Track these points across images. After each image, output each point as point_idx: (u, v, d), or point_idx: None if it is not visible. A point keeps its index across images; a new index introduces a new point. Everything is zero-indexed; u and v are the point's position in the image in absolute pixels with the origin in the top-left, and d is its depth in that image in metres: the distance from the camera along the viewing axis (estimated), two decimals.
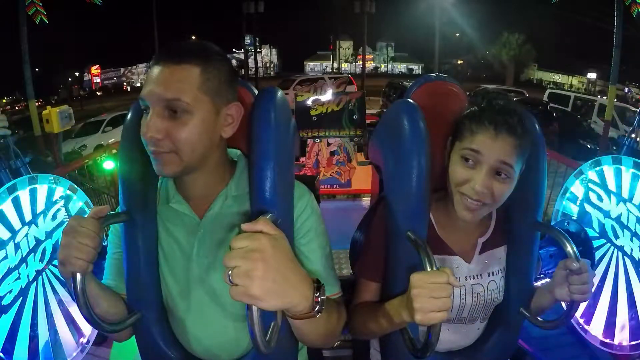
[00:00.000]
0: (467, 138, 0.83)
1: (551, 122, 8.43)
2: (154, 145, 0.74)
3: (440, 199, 0.94)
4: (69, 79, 37.31)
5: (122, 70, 45.95)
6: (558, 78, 35.59)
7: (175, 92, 0.73)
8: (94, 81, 40.63)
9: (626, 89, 22.46)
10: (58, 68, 34.54)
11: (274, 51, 50.50)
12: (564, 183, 1.84)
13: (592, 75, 30.60)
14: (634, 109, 9.32)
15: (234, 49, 45.46)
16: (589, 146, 8.12)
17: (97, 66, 40.80)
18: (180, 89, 0.73)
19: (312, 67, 50.41)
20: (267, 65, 47.53)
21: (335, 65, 44.12)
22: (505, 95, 0.89)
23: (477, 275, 0.94)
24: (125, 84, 43.27)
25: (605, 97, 9.00)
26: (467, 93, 1.06)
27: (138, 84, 43.06)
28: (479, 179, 0.81)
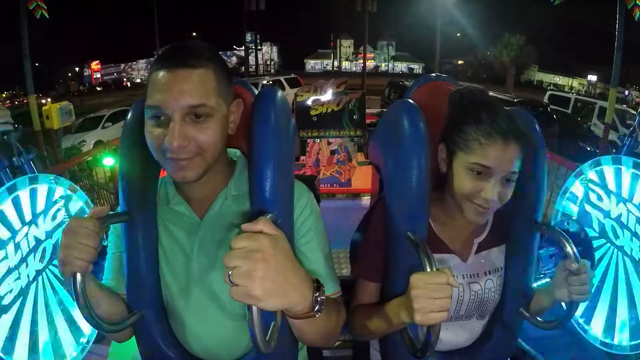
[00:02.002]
0: (477, 152, 0.82)
1: (551, 124, 8.43)
2: (178, 153, 0.73)
3: (437, 197, 0.94)
4: (69, 74, 37.22)
5: (122, 66, 45.86)
6: (558, 80, 35.60)
7: (200, 98, 0.73)
8: (94, 76, 40.53)
9: (626, 92, 22.45)
10: (58, 63, 34.43)
11: (275, 49, 50.40)
12: (563, 185, 1.85)
13: (592, 78, 30.61)
14: (633, 111, 9.33)
15: (234, 46, 45.41)
16: (588, 148, 8.12)
17: (97, 61, 40.70)
18: (203, 94, 0.73)
19: (313, 65, 50.34)
20: (268, 62, 47.43)
21: (336, 63, 44.10)
22: (485, 91, 0.91)
23: (474, 274, 0.95)
24: (125, 79, 43.16)
25: (605, 101, 9.00)
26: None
27: (138, 80, 42.98)
28: (490, 189, 0.82)
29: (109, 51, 42.57)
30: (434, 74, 1.15)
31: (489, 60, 30.50)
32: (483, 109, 0.84)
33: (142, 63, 45.22)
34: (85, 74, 40.66)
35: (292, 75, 15.16)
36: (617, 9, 5.41)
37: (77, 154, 6.60)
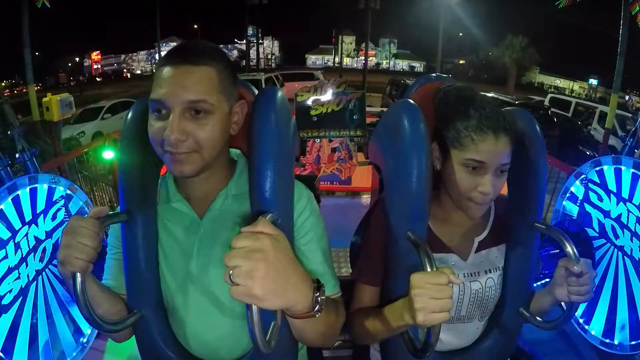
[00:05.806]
0: (470, 148, 0.83)
1: (552, 127, 8.42)
2: (176, 146, 0.74)
3: (433, 195, 0.94)
4: (69, 64, 36.97)
5: (122, 56, 45.58)
6: (559, 82, 35.54)
7: (200, 94, 0.73)
8: (94, 67, 40.28)
9: (627, 97, 22.40)
10: (58, 53, 34.21)
11: (276, 43, 50.15)
12: (563, 186, 1.85)
13: (593, 81, 30.55)
14: (630, 114, 9.33)
15: (236, 40, 45.22)
16: (587, 153, 8.13)
17: (97, 52, 40.42)
18: (204, 90, 0.74)
19: (314, 60, 50.17)
20: (269, 57, 47.19)
21: (337, 59, 43.91)
22: (470, 86, 0.92)
23: (474, 273, 0.95)
24: (125, 70, 42.91)
25: (605, 106, 8.99)
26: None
27: (138, 71, 42.77)
28: (485, 183, 0.84)
29: (109, 42, 42.36)
30: (434, 74, 1.15)
31: (491, 60, 30.44)
32: (470, 104, 0.85)
33: (142, 54, 44.99)
34: (85, 64, 40.39)
35: (276, 73, 16.13)
36: (621, 14, 5.39)
37: (76, 145, 6.58)
